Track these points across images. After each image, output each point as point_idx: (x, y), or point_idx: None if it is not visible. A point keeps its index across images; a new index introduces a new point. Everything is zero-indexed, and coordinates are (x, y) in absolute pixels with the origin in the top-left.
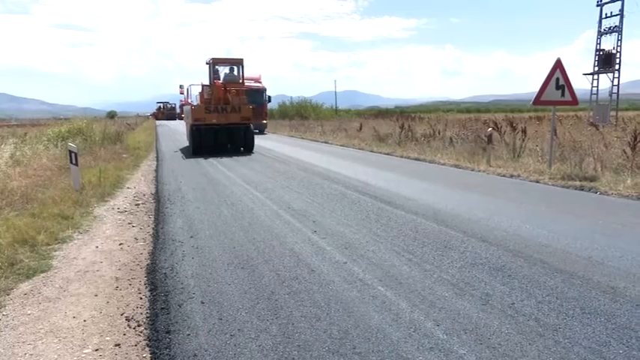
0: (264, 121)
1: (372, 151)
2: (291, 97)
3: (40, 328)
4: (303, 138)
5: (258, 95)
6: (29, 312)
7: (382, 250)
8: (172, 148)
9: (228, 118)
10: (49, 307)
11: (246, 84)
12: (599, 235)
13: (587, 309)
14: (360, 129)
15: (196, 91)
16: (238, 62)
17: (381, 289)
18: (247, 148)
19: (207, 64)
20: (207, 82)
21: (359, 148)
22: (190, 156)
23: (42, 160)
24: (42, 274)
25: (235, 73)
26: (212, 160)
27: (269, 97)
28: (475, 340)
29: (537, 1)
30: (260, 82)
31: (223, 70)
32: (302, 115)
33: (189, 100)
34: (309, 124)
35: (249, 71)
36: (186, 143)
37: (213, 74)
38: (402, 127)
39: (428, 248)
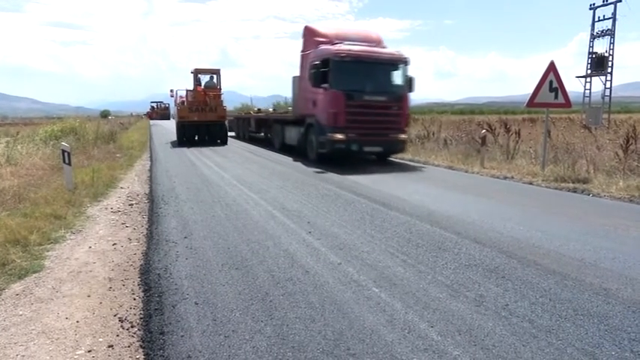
0: (402, 135)
1: None
2: (286, 98)
3: (32, 329)
4: None
5: (387, 75)
6: (21, 313)
7: (376, 251)
8: (166, 148)
9: (206, 116)
10: (41, 308)
11: (367, 49)
12: (591, 236)
13: (580, 310)
14: None
15: (183, 94)
16: (216, 72)
17: (375, 290)
18: (222, 141)
19: (191, 73)
20: (191, 88)
21: None
22: (177, 146)
23: (34, 160)
24: (34, 275)
25: (214, 80)
26: (207, 161)
27: (410, 79)
28: (469, 342)
29: (531, 4)
30: (384, 47)
31: (204, 78)
32: None
33: (182, 99)
34: None
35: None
36: (180, 143)
37: (196, 81)
38: None
39: (422, 249)
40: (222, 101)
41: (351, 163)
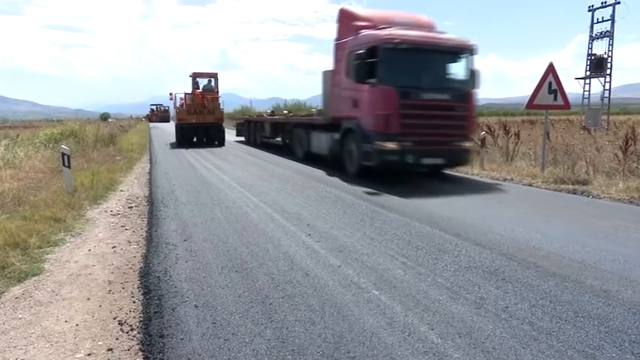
0: (467, 143)
1: None
2: (285, 100)
3: (32, 333)
4: None
5: (449, 67)
6: (20, 316)
7: (376, 254)
8: (166, 150)
9: (204, 119)
10: (40, 311)
11: (425, 34)
12: (591, 238)
13: (580, 312)
14: None
15: (182, 97)
16: (214, 75)
17: (375, 292)
18: (220, 142)
19: (190, 76)
20: (189, 91)
21: None
22: (176, 147)
23: (34, 163)
24: (34, 278)
25: (212, 84)
26: (206, 164)
27: (475, 72)
28: (469, 344)
29: (530, 6)
30: (441, 33)
31: (202, 82)
32: None
33: (181, 101)
34: None
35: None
36: (179, 145)
37: (194, 85)
38: None
39: (422, 252)
40: (219, 104)
41: (401, 178)
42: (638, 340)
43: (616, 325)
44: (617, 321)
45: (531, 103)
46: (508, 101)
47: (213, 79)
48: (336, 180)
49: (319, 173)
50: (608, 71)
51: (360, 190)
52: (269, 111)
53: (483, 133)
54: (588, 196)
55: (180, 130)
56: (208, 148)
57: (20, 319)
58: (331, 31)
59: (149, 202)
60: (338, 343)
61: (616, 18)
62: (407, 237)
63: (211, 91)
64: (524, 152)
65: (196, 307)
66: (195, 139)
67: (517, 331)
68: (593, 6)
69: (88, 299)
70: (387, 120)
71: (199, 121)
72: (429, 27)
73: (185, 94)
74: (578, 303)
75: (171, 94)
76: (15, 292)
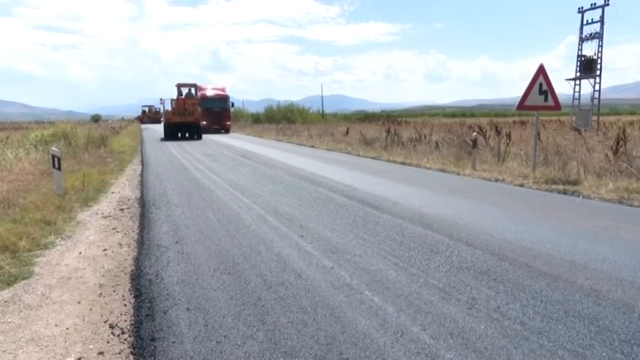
0: None
1: (358, 156)
2: (279, 101)
3: (21, 337)
4: (289, 142)
5: None
6: (10, 320)
7: (369, 255)
8: (158, 152)
9: (185, 119)
10: (30, 315)
11: None
12: (582, 238)
13: (571, 312)
14: (347, 133)
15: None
16: (193, 85)
17: (367, 293)
18: (198, 136)
19: (175, 86)
20: (175, 97)
21: (345, 153)
22: (165, 140)
23: (24, 165)
24: (23, 281)
25: (192, 92)
26: (199, 165)
27: None
28: (461, 345)
29: (520, 8)
30: None
31: (184, 90)
32: (289, 119)
33: (166, 109)
34: (296, 128)
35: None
36: (170, 143)
37: (178, 93)
38: (388, 131)
39: (414, 252)
40: (197, 108)
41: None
42: (627, 339)
43: (606, 325)
44: (607, 320)
45: (522, 104)
46: (499, 102)
47: (192, 88)
48: (327, 181)
49: (311, 174)
50: (598, 72)
51: (352, 191)
52: None
53: (475, 133)
54: (579, 196)
55: (167, 127)
56: (200, 150)
57: (9, 323)
58: (323, 32)
59: (141, 204)
60: (330, 345)
61: (605, 19)
62: (399, 238)
63: (191, 98)
64: (515, 153)
65: (188, 309)
66: (179, 135)
67: (508, 331)
68: (582, 7)
69: (79, 302)
70: None
71: (182, 121)
72: None
73: (171, 99)
74: (568, 303)
75: (161, 99)
76: (4, 295)
